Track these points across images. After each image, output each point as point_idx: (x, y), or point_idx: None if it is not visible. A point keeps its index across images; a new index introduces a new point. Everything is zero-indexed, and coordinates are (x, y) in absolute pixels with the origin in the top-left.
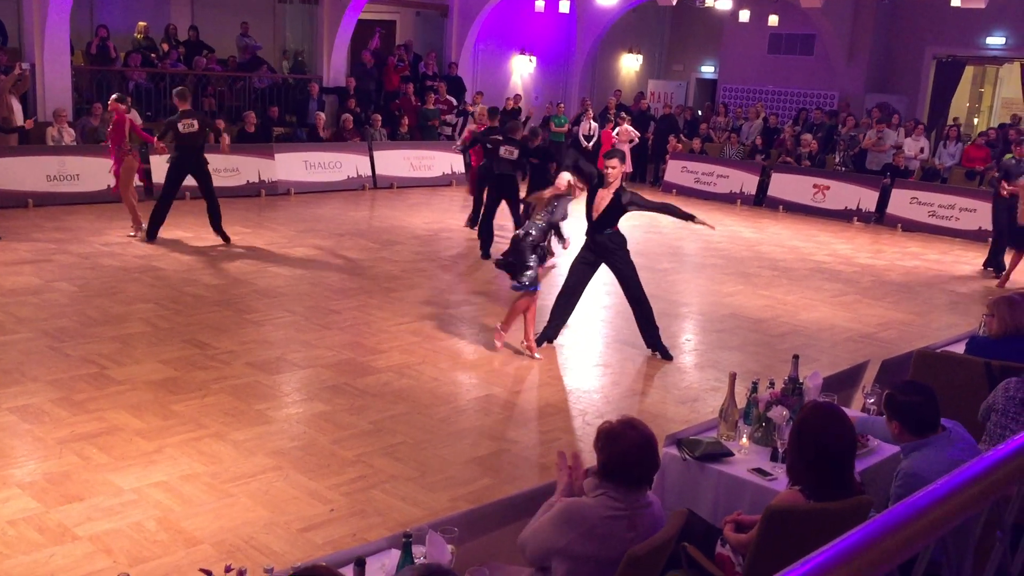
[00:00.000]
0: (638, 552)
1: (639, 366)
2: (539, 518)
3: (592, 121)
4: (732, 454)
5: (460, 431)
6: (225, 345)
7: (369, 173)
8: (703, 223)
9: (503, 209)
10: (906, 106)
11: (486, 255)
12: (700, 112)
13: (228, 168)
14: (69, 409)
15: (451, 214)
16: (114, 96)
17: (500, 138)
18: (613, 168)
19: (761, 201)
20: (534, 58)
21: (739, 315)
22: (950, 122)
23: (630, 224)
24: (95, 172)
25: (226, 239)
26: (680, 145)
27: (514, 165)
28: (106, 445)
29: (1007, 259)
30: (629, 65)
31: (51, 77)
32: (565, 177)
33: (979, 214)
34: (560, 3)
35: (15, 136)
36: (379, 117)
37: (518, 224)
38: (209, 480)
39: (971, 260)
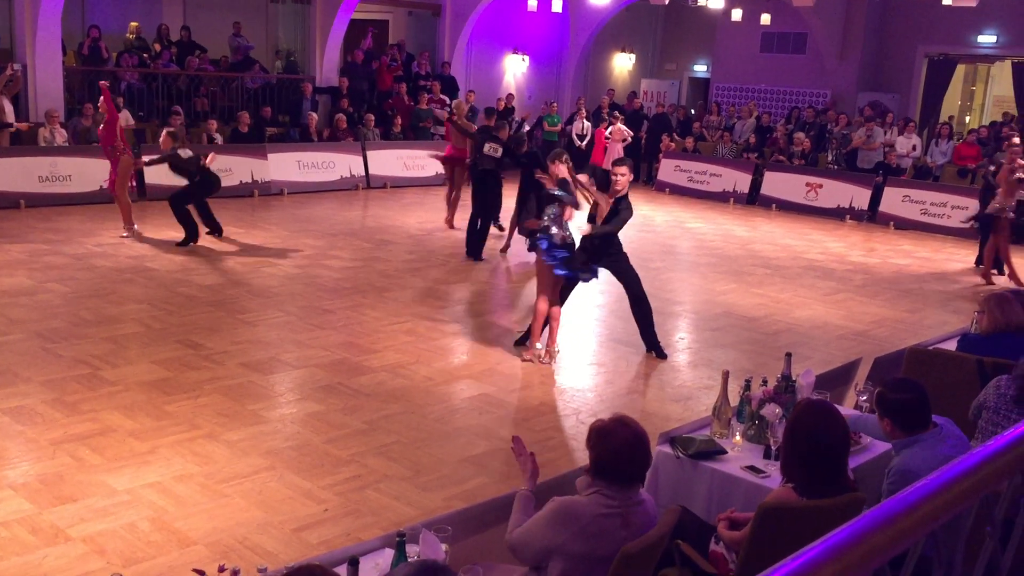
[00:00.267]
0: (632, 550)
1: (633, 365)
2: (519, 514)
3: (585, 120)
4: (725, 452)
5: (454, 430)
6: (218, 345)
7: (362, 173)
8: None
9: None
10: (898, 104)
11: (476, 257)
12: (693, 111)
13: (221, 168)
14: (62, 410)
15: (444, 214)
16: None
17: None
18: (623, 176)
19: (754, 200)
20: (527, 57)
21: (732, 313)
22: (944, 120)
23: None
24: (87, 173)
25: (218, 230)
26: (673, 144)
27: (497, 162)
28: (99, 446)
29: (987, 254)
30: (622, 64)
31: (43, 78)
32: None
33: (971, 212)
34: (553, 2)
35: (7, 137)
36: (372, 117)
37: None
38: (203, 480)
39: (963, 258)
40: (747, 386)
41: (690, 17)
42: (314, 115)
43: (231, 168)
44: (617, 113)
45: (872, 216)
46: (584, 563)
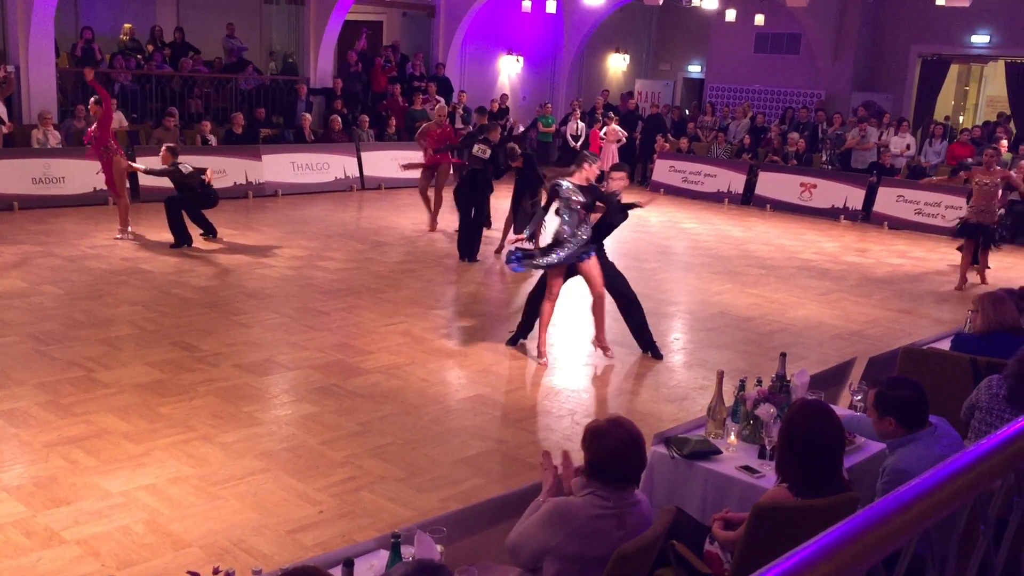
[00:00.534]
0: (627, 550)
1: (628, 365)
2: (526, 519)
3: (580, 121)
4: (720, 452)
5: (449, 431)
6: (213, 347)
7: (357, 174)
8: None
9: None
10: (892, 104)
11: (471, 258)
12: (687, 111)
13: (215, 170)
14: (56, 412)
15: (439, 215)
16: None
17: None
18: (619, 180)
19: (748, 200)
20: (521, 58)
21: (727, 313)
22: (940, 120)
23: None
24: (81, 175)
25: (212, 231)
26: (667, 144)
27: (485, 164)
28: (93, 448)
29: (981, 254)
30: (616, 65)
31: (36, 79)
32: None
33: (964, 212)
34: (547, 3)
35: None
36: (367, 118)
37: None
38: (197, 483)
39: (957, 258)
40: (742, 386)
41: (684, 18)
42: (308, 116)
43: (225, 170)
44: (611, 114)
45: (866, 216)
46: (579, 564)
